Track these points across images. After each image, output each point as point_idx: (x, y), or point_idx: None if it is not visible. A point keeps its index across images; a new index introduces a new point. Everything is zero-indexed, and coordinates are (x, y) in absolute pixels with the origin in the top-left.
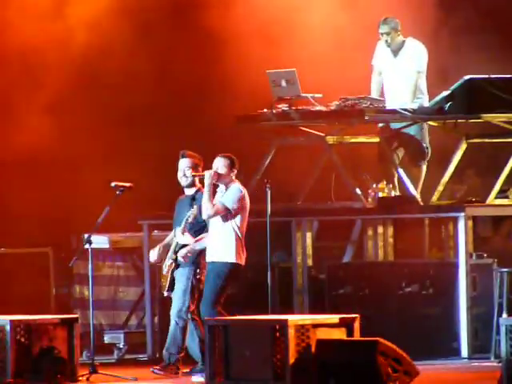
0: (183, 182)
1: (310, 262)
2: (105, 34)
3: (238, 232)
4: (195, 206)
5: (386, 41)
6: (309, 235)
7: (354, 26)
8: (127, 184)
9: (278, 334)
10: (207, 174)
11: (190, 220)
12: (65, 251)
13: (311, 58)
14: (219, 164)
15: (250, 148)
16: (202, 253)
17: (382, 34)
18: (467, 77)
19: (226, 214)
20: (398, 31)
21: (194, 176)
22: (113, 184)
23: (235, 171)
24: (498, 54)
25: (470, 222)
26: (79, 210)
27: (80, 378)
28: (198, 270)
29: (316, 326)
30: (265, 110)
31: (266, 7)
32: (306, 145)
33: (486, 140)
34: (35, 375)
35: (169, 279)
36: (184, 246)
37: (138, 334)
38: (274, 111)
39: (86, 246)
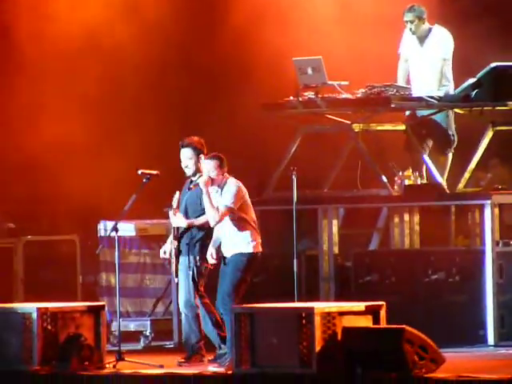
0: (187, 171)
1: (336, 249)
2: (124, 22)
3: (248, 220)
4: (177, 192)
5: (411, 29)
6: (335, 223)
7: (380, 14)
8: (154, 172)
9: (304, 322)
10: (201, 183)
11: (174, 205)
12: (91, 239)
13: (336, 46)
14: (209, 167)
15: (276, 136)
16: (200, 240)
17: (406, 21)
18: (493, 64)
19: (240, 208)
20: (422, 19)
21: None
22: (139, 172)
23: (226, 168)
24: None
25: (497, 210)
26: (106, 197)
27: (107, 366)
28: (197, 258)
29: (342, 313)
30: (291, 98)
31: None
32: (332, 132)
33: None
34: (62, 363)
35: (174, 266)
36: (183, 232)
37: (164, 321)
38: (300, 99)
39: (113, 233)
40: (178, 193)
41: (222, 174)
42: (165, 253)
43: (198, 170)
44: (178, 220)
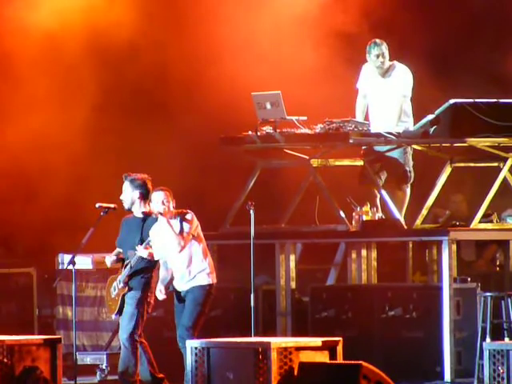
0: (126, 204)
1: (293, 284)
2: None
3: (205, 251)
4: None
5: (381, 63)
6: (292, 258)
7: (339, 50)
8: (112, 205)
9: (260, 357)
10: (160, 213)
11: (150, 243)
12: (48, 272)
13: (296, 81)
14: (158, 199)
15: (234, 170)
16: (152, 277)
17: (376, 55)
18: (452, 101)
19: (192, 240)
20: (384, 55)
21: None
22: (97, 205)
23: (174, 202)
24: (482, 76)
25: (454, 246)
26: (63, 230)
27: None
28: (149, 294)
29: (299, 348)
30: (249, 132)
31: (249, 28)
32: (291, 167)
33: (471, 164)
34: None
35: (119, 303)
36: (137, 272)
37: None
38: (259, 133)
39: (70, 266)
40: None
41: (170, 207)
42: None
43: (134, 206)
44: (144, 252)
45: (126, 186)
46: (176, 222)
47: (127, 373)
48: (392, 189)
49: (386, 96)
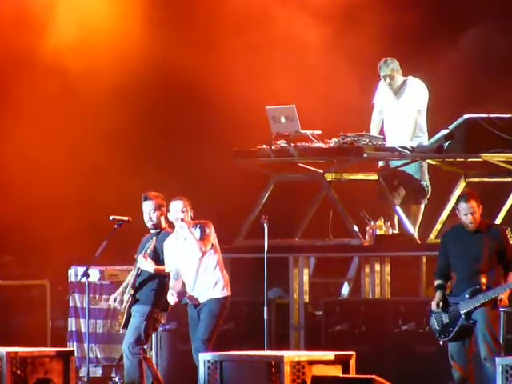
0: (149, 224)
1: (306, 298)
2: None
3: (221, 263)
4: (154, 238)
5: (390, 83)
6: (306, 272)
7: (353, 64)
8: (125, 218)
9: (273, 370)
10: (180, 220)
11: (148, 251)
12: (62, 284)
13: (311, 95)
14: (177, 208)
15: (248, 184)
16: (160, 292)
17: (383, 76)
18: (466, 116)
19: (210, 250)
20: (398, 72)
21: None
22: (111, 218)
23: (192, 212)
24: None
25: None
26: (77, 242)
27: None
28: (155, 310)
29: (312, 362)
30: (263, 146)
31: (264, 42)
32: (305, 181)
33: (485, 179)
34: None
35: (125, 315)
36: (143, 282)
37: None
38: (273, 147)
39: (83, 279)
40: (154, 239)
41: (188, 216)
42: (115, 300)
43: (159, 224)
44: (147, 264)
45: (151, 205)
46: (196, 230)
47: None
48: (409, 204)
49: (400, 112)
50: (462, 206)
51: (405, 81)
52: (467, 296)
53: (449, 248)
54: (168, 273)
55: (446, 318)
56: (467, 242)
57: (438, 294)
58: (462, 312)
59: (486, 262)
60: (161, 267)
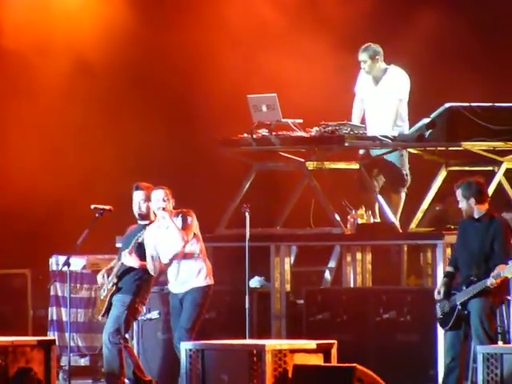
0: (137, 214)
1: (288, 287)
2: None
3: (204, 253)
4: (143, 231)
5: (364, 68)
6: (287, 260)
7: (336, 52)
8: (107, 207)
9: (255, 359)
10: (162, 210)
11: (139, 240)
12: (43, 273)
13: (293, 84)
14: (158, 197)
15: (230, 172)
16: (143, 283)
17: (360, 61)
18: (448, 104)
19: (193, 239)
20: (376, 59)
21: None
22: (92, 207)
23: (173, 201)
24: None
25: (449, 250)
26: (59, 231)
27: None
28: (137, 299)
29: (293, 351)
30: (245, 135)
31: (245, 31)
32: (286, 170)
33: (466, 168)
34: None
35: (106, 303)
36: (126, 271)
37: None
38: (254, 136)
39: (65, 268)
40: (143, 235)
41: (170, 205)
42: (103, 277)
43: (147, 215)
44: (131, 261)
45: (142, 196)
46: (177, 219)
47: (113, 375)
48: (389, 192)
49: (381, 100)
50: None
51: (386, 69)
52: (464, 287)
53: (458, 236)
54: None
55: (447, 307)
56: (469, 231)
57: (442, 282)
58: (457, 302)
59: (482, 253)
60: (148, 261)
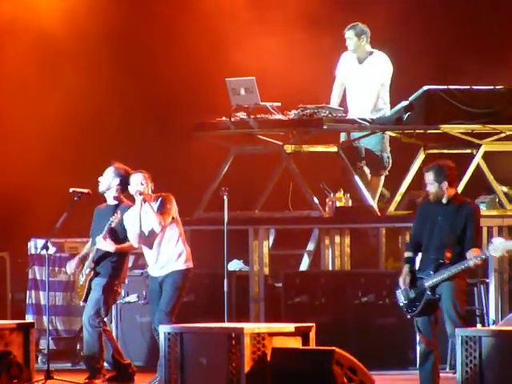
0: (102, 187)
1: (266, 270)
2: None
3: (183, 237)
4: (119, 211)
5: (349, 46)
6: (265, 244)
7: (314, 36)
8: (85, 190)
9: (233, 342)
10: (139, 194)
11: (113, 225)
12: (22, 256)
13: (271, 67)
14: (137, 180)
15: (208, 156)
16: (120, 265)
17: (346, 38)
18: (426, 87)
19: (172, 223)
20: (362, 37)
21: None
22: (71, 190)
23: (152, 184)
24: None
25: None
26: (37, 214)
27: None
28: (116, 282)
29: (272, 334)
30: (223, 118)
31: (224, 13)
32: (264, 153)
33: (445, 151)
34: None
35: (86, 289)
36: (103, 255)
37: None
38: (232, 119)
39: (43, 251)
40: (116, 219)
41: (149, 189)
42: (70, 267)
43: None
44: (106, 245)
45: (110, 171)
46: (156, 203)
47: (92, 358)
48: (371, 176)
49: (362, 83)
50: (424, 176)
51: (371, 52)
52: (431, 271)
53: (419, 219)
54: (131, 249)
55: (412, 293)
56: (436, 214)
57: (405, 269)
58: (426, 286)
59: (452, 237)
60: (123, 245)
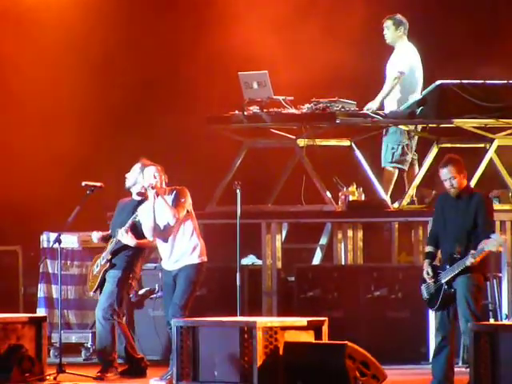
0: (128, 183)
1: (279, 264)
2: None
3: (197, 229)
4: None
5: (385, 34)
6: (278, 237)
7: (326, 29)
8: (98, 184)
9: (246, 336)
10: (152, 190)
11: (136, 219)
12: (34, 250)
13: (285, 61)
14: (155, 172)
15: (221, 150)
16: (136, 259)
17: (384, 27)
18: (439, 82)
19: (186, 217)
20: (400, 28)
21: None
22: (83, 183)
23: (166, 177)
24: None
25: None
26: (50, 208)
27: (47, 378)
28: (130, 275)
29: (284, 328)
30: (236, 112)
31: (238, 7)
32: (277, 147)
33: (457, 145)
34: (3, 374)
35: (99, 279)
36: (121, 248)
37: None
38: (246, 113)
39: (56, 245)
40: (137, 213)
41: (162, 182)
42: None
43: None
44: (128, 238)
45: (136, 167)
46: (171, 196)
47: (105, 351)
48: (383, 170)
49: (388, 72)
50: (440, 171)
51: (395, 45)
52: (447, 265)
53: (437, 214)
54: (150, 244)
55: (432, 288)
56: (450, 208)
57: (425, 264)
58: (443, 281)
59: (464, 230)
60: (144, 241)
